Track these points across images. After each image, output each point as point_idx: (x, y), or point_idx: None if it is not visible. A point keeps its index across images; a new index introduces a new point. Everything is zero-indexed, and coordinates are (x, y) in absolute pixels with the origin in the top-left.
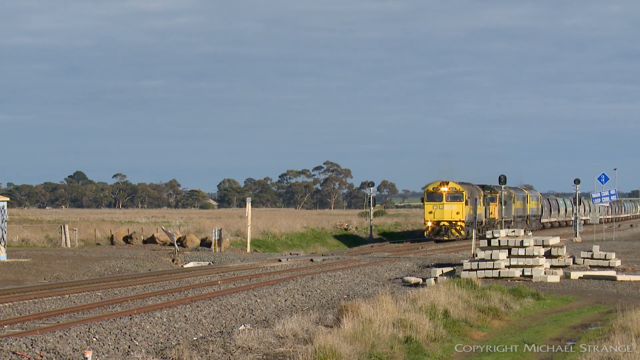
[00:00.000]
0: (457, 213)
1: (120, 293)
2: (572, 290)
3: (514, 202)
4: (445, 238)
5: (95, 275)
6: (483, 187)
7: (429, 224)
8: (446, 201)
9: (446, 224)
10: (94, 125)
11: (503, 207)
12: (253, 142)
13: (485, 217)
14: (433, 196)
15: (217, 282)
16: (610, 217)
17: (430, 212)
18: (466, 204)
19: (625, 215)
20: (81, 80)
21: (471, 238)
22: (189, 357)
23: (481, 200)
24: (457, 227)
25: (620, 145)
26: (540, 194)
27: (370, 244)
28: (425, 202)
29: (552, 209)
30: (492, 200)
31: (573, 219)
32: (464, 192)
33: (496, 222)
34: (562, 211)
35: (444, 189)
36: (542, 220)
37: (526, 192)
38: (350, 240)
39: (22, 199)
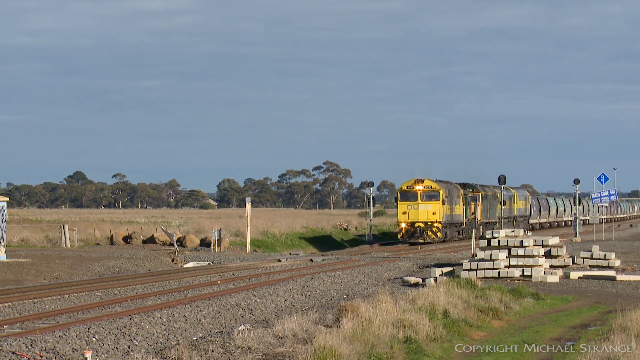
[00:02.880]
0: (433, 213)
1: (120, 293)
2: (572, 290)
3: (499, 202)
4: (421, 240)
5: (95, 275)
6: (464, 185)
7: (403, 225)
8: (421, 200)
9: (421, 225)
10: (94, 125)
11: (489, 206)
12: (253, 142)
13: (465, 218)
14: (407, 195)
15: (217, 282)
16: (605, 217)
17: (404, 213)
18: (443, 203)
19: (622, 215)
20: (81, 80)
21: (448, 240)
22: (188, 357)
23: (461, 199)
24: (434, 229)
25: (620, 145)
26: (529, 193)
27: (370, 244)
28: (398, 202)
29: (541, 209)
30: (474, 199)
31: (572, 219)
32: (440, 191)
33: (479, 223)
34: (553, 211)
35: (419, 187)
36: (531, 221)
37: (513, 191)
38: (349, 240)
39: (21, 199)
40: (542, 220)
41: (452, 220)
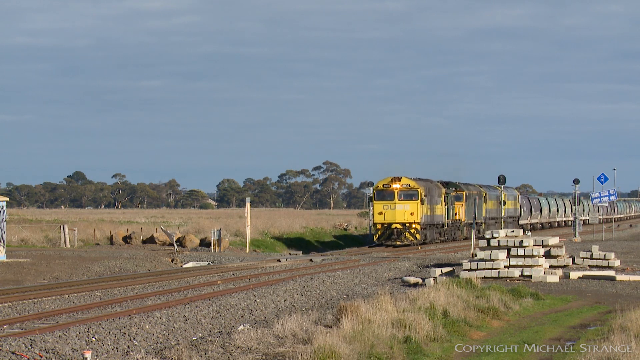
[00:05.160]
0: (412, 214)
1: (120, 293)
2: (572, 290)
3: (485, 202)
4: (398, 243)
5: (95, 275)
6: (446, 184)
7: (379, 226)
8: (398, 200)
9: (398, 226)
10: (93, 125)
11: (474, 206)
12: (253, 142)
13: (447, 219)
14: (383, 194)
15: (217, 282)
16: (602, 217)
17: (380, 213)
18: (422, 203)
19: (619, 215)
20: (80, 80)
21: (428, 243)
22: (188, 357)
23: (442, 199)
24: (412, 230)
25: (620, 145)
26: (520, 192)
27: (370, 245)
28: (374, 202)
29: (532, 210)
30: (457, 199)
31: (566, 219)
32: (419, 190)
33: (462, 224)
34: (545, 212)
35: (396, 185)
36: (521, 222)
37: (501, 190)
38: (349, 240)
39: (21, 199)
40: (534, 221)
41: (432, 221)
